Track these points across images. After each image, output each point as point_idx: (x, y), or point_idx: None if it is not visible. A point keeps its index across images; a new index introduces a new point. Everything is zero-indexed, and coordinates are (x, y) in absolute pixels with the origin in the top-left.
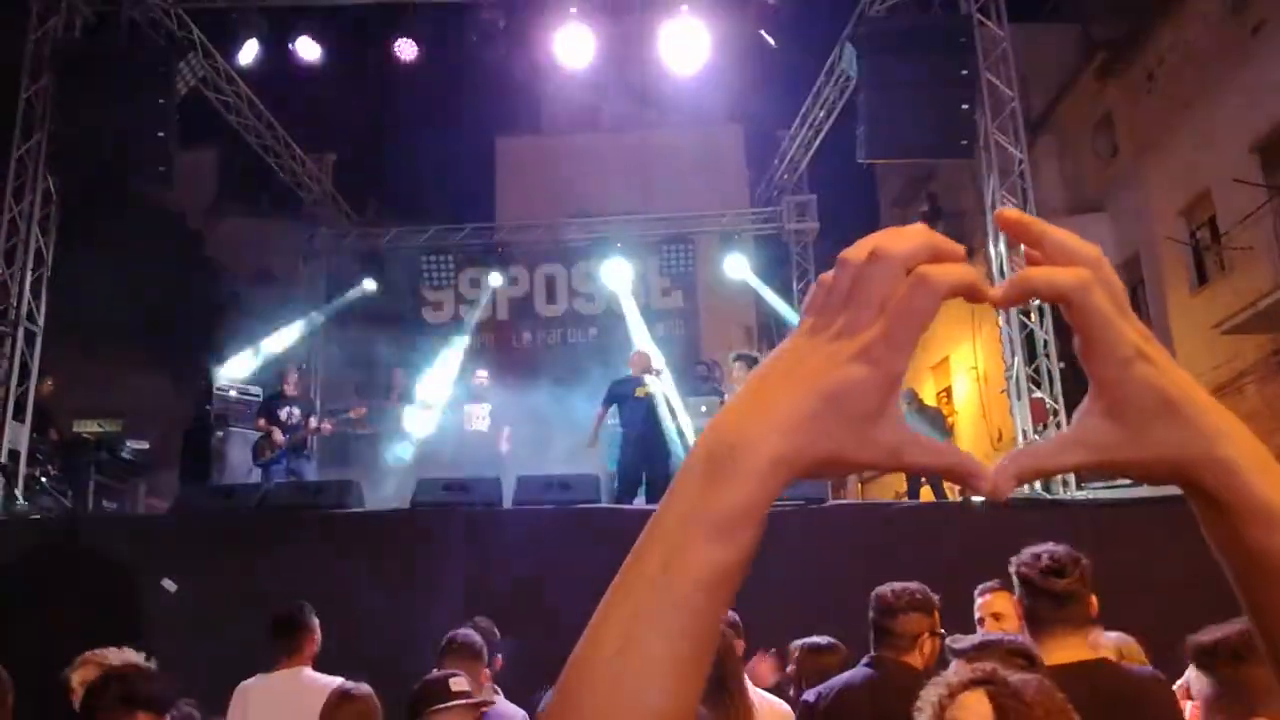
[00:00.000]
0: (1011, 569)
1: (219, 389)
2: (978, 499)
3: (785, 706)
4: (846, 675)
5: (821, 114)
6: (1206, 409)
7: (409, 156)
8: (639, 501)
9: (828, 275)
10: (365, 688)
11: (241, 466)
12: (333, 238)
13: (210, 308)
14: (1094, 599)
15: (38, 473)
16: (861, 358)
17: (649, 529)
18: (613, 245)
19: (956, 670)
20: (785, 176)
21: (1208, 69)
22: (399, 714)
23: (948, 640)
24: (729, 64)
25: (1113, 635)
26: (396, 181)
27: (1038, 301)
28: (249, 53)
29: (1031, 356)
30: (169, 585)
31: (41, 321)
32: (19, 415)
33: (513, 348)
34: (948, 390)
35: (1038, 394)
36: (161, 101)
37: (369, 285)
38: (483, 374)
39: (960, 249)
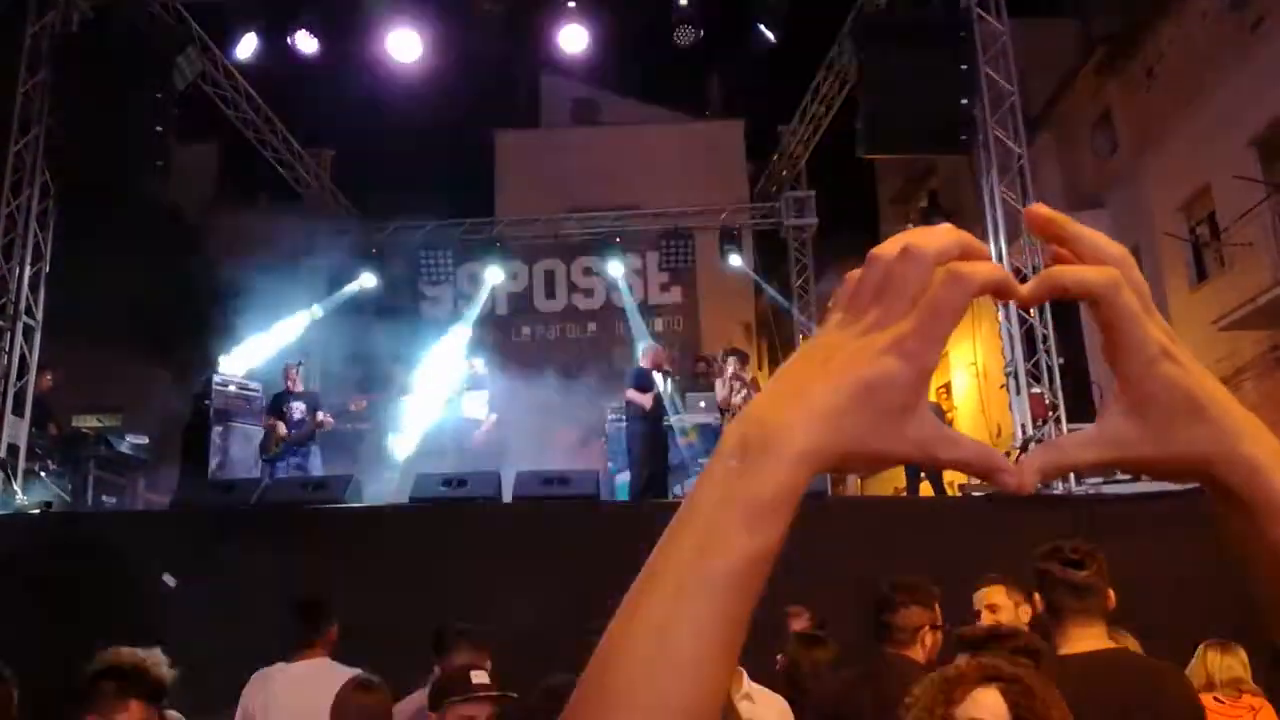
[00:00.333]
0: (1031, 564)
1: (218, 384)
2: (977, 493)
3: (783, 701)
4: (848, 671)
5: (821, 109)
6: (1230, 408)
7: (407, 151)
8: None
9: (855, 271)
10: (378, 680)
11: (242, 461)
12: (331, 232)
13: (208, 302)
14: (1111, 593)
15: (37, 467)
16: (894, 351)
17: (681, 515)
18: (612, 240)
19: (960, 664)
20: (784, 172)
21: (1208, 65)
22: None
23: (955, 630)
24: (728, 58)
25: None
26: (395, 176)
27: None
28: (247, 47)
29: (1031, 352)
30: (169, 580)
31: (40, 316)
32: (18, 410)
33: (511, 343)
34: (947, 386)
35: (1037, 389)
36: (159, 96)
37: (368, 280)
38: (478, 361)
39: (987, 249)
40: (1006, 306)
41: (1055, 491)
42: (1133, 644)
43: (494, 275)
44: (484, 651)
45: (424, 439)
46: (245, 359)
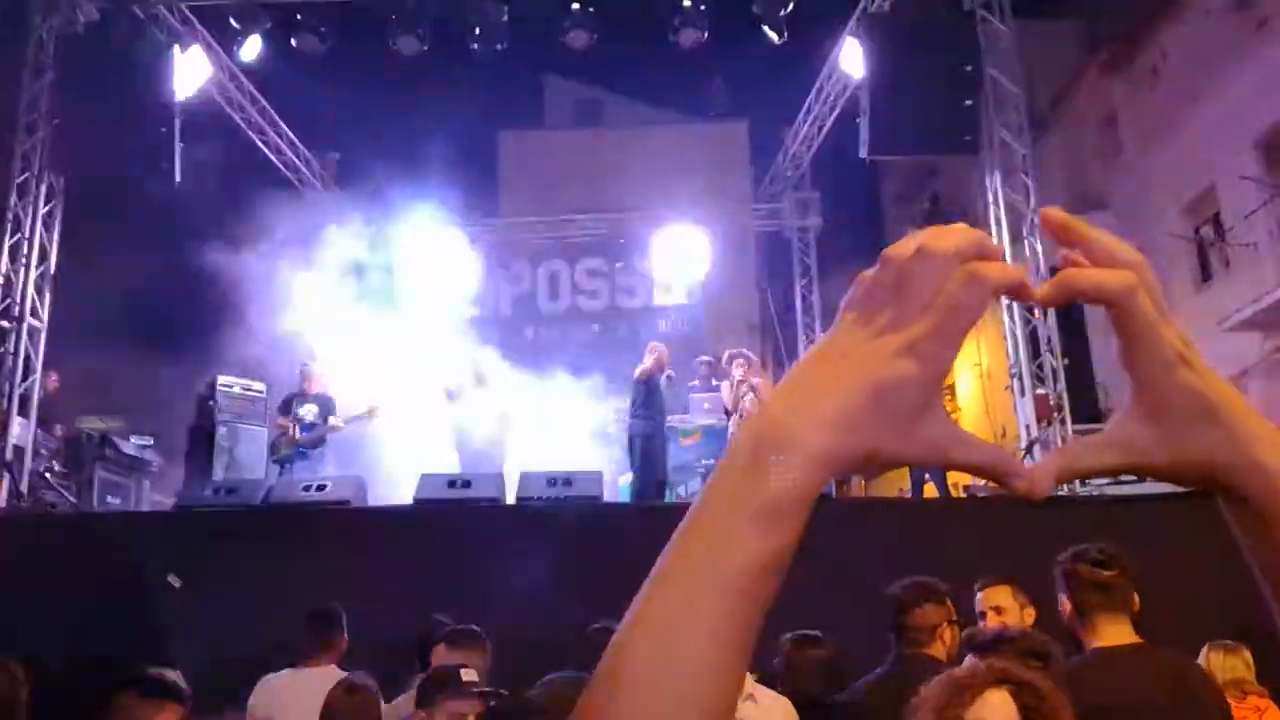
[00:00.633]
0: (1058, 566)
1: (223, 385)
2: (982, 494)
3: (787, 702)
4: (872, 674)
5: (825, 110)
6: (1244, 414)
7: (412, 152)
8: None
9: (869, 272)
10: (368, 681)
11: (247, 463)
12: (335, 234)
13: (213, 303)
14: (1135, 596)
15: (42, 469)
16: (909, 353)
17: (693, 516)
18: (615, 242)
19: (970, 667)
20: (789, 173)
21: (1212, 65)
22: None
23: (963, 633)
24: (732, 59)
25: None
26: (399, 177)
27: None
28: (252, 49)
29: (1035, 353)
30: (174, 581)
31: (45, 318)
32: (23, 412)
33: (515, 344)
34: (951, 387)
35: (1041, 390)
36: (164, 98)
37: (372, 281)
38: (479, 359)
39: (1002, 249)
40: (1011, 307)
41: (1060, 493)
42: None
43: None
44: (471, 650)
45: (431, 439)
46: (250, 360)
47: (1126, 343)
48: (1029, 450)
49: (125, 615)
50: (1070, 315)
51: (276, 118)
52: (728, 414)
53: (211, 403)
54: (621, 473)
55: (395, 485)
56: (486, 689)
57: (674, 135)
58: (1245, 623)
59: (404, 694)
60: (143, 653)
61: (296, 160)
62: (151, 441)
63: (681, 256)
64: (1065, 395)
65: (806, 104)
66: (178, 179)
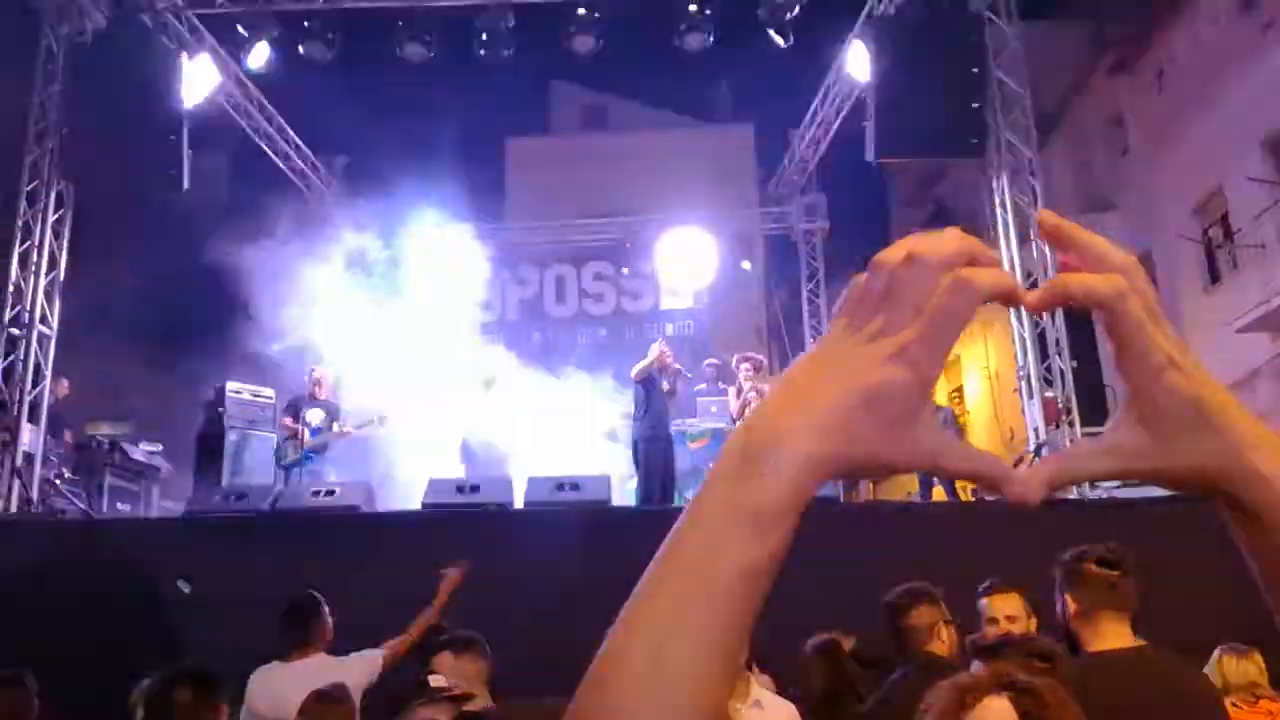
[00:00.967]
0: (1062, 564)
1: (232, 391)
2: (990, 497)
3: (792, 707)
4: (890, 680)
5: (831, 113)
6: (1238, 419)
7: (419, 157)
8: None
9: (861, 277)
10: (341, 689)
11: (256, 468)
12: (343, 239)
13: (222, 310)
14: (1137, 596)
15: (52, 475)
16: (899, 359)
17: (684, 521)
18: (622, 246)
19: (972, 673)
20: (795, 176)
21: (1219, 66)
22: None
23: (968, 639)
24: (738, 63)
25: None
26: (406, 183)
27: None
28: (260, 56)
29: (1044, 355)
30: (184, 586)
31: (55, 325)
32: (33, 418)
33: (523, 348)
34: (959, 389)
35: (1050, 393)
36: (173, 105)
37: (380, 287)
38: (490, 362)
39: (995, 255)
40: (1019, 310)
41: (1070, 496)
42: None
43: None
44: (473, 657)
45: (439, 444)
46: (259, 365)
47: (1117, 347)
48: (1037, 453)
49: (135, 621)
50: (1079, 317)
51: (284, 124)
52: (735, 420)
53: (221, 409)
54: (630, 476)
55: (404, 490)
56: (458, 693)
57: (680, 139)
58: (1257, 626)
59: None
60: (152, 659)
61: (304, 166)
62: (160, 448)
63: (688, 260)
64: (1074, 398)
65: (813, 107)
66: (186, 186)
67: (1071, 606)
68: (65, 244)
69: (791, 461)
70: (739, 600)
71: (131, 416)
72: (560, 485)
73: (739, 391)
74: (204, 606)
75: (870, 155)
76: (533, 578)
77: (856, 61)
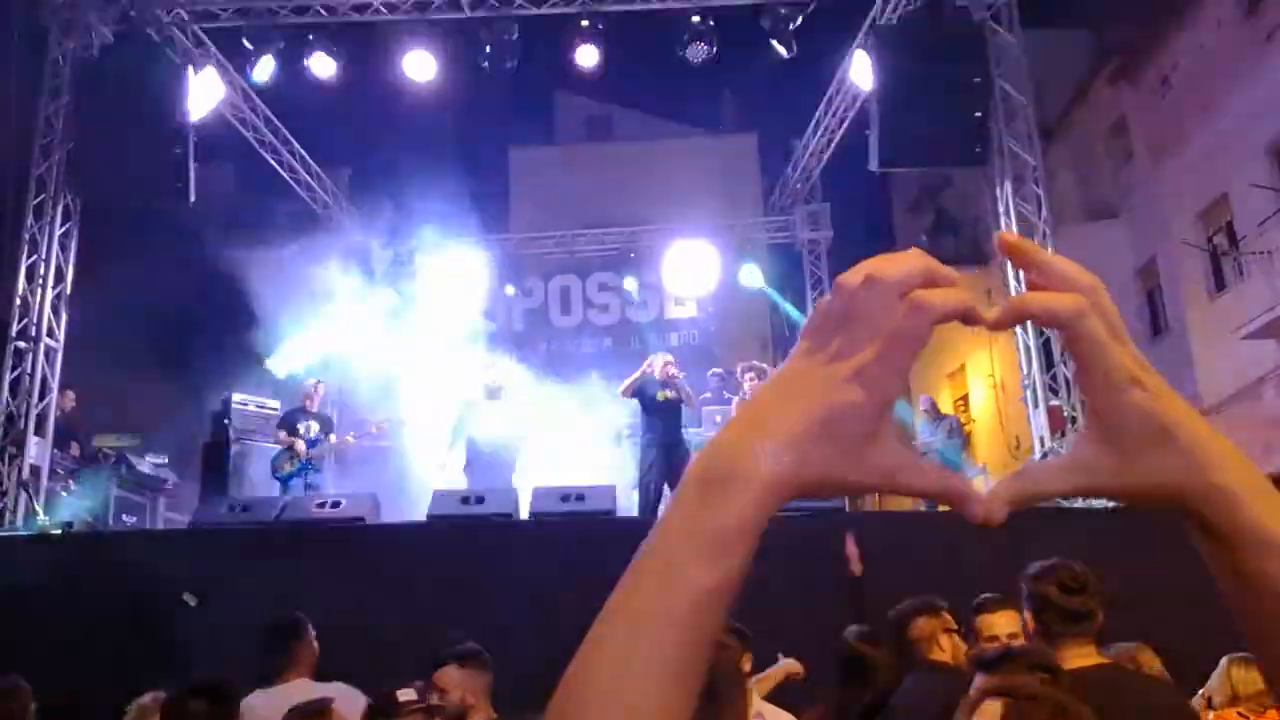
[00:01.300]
0: (1023, 584)
1: (237, 403)
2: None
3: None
4: (904, 688)
5: (834, 122)
6: (1202, 437)
7: (423, 169)
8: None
9: (825, 299)
10: (325, 702)
11: (261, 480)
12: (347, 251)
13: (227, 322)
14: (1101, 615)
15: (59, 488)
16: (856, 380)
17: (645, 548)
18: (626, 256)
19: (976, 684)
20: (799, 185)
21: (1222, 73)
22: None
23: (969, 654)
24: (741, 73)
25: (1128, 645)
26: (411, 194)
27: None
28: (264, 69)
29: (1049, 364)
30: (190, 599)
31: (61, 337)
32: (40, 431)
33: (528, 358)
34: (965, 398)
35: (1055, 401)
36: (178, 119)
37: (385, 298)
38: (495, 371)
39: (954, 274)
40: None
41: (1075, 505)
42: (1153, 660)
43: (510, 291)
44: (477, 669)
45: (443, 454)
46: (263, 378)
47: (1080, 365)
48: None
49: (141, 634)
50: None
51: (290, 137)
52: None
53: (226, 420)
54: (635, 487)
55: (408, 502)
56: (429, 704)
57: (684, 149)
58: None
59: None
60: (158, 672)
61: (309, 179)
62: (166, 460)
63: (692, 270)
64: (1079, 406)
65: (816, 117)
66: (192, 199)
67: (1032, 625)
68: (72, 257)
69: (749, 483)
70: (697, 625)
71: (137, 429)
72: (565, 496)
73: (743, 401)
74: (209, 619)
75: (873, 165)
76: (537, 589)
77: (859, 71)
